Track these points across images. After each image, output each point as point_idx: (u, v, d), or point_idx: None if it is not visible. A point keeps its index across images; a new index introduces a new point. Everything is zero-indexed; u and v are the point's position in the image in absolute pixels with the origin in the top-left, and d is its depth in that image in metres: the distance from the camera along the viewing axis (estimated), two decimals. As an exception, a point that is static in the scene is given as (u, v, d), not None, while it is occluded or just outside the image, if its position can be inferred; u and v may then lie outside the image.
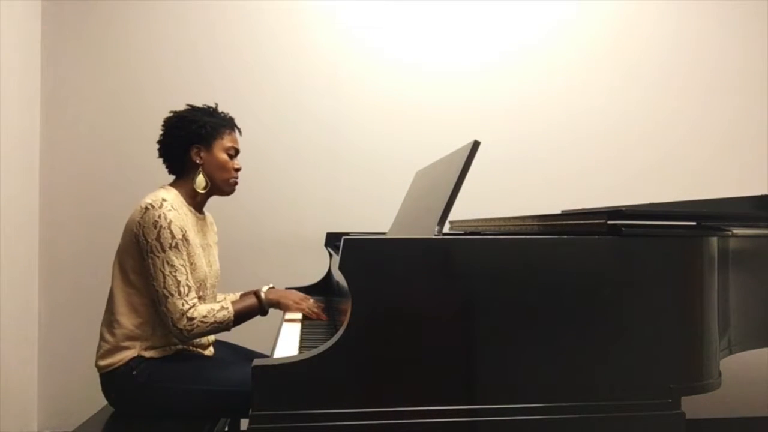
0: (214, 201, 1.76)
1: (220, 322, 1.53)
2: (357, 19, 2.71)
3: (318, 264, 2.42)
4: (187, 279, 1.51)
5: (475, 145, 1.28)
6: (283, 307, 1.74)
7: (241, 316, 1.60)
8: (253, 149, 2.63)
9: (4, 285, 2.29)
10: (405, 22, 2.74)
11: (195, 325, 1.49)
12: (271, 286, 1.92)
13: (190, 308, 1.49)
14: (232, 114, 1.76)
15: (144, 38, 2.63)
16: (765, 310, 1.53)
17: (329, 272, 2.22)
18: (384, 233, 2.07)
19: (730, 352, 1.43)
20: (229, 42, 2.66)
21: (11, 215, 2.34)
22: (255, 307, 1.65)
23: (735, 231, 1.38)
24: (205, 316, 1.50)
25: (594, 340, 1.17)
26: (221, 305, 1.56)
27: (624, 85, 2.83)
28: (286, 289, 2.20)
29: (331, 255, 2.17)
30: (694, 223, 1.32)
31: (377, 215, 2.52)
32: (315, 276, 2.32)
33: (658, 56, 2.84)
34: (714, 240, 1.28)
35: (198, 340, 1.64)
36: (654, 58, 2.84)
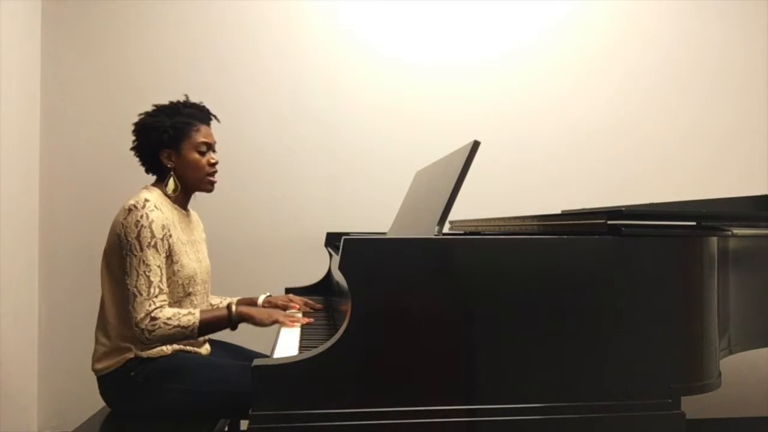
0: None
1: (185, 327, 1.47)
2: (357, 19, 2.71)
3: (318, 264, 2.42)
4: (160, 281, 1.49)
5: (475, 145, 1.28)
6: (257, 322, 1.58)
7: (208, 326, 1.52)
8: (253, 149, 2.63)
9: (4, 285, 2.29)
10: (405, 23, 2.73)
11: (157, 326, 1.44)
12: (268, 294, 1.92)
13: (155, 309, 1.46)
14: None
15: (144, 38, 2.63)
16: (765, 310, 1.53)
17: (329, 272, 2.22)
18: (384, 233, 2.07)
19: (730, 352, 1.43)
20: (228, 42, 2.66)
21: (11, 215, 2.34)
22: (224, 319, 1.55)
23: (735, 231, 1.38)
24: (169, 318, 1.46)
25: (594, 340, 1.17)
26: (188, 310, 1.51)
27: (624, 84, 2.82)
28: (286, 289, 2.21)
29: (331, 255, 2.17)
30: (694, 223, 1.32)
31: (377, 215, 2.52)
32: (315, 276, 2.32)
33: (658, 56, 2.84)
34: (714, 240, 1.28)
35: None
36: (654, 58, 2.84)
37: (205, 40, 2.65)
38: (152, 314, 1.45)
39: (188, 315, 1.50)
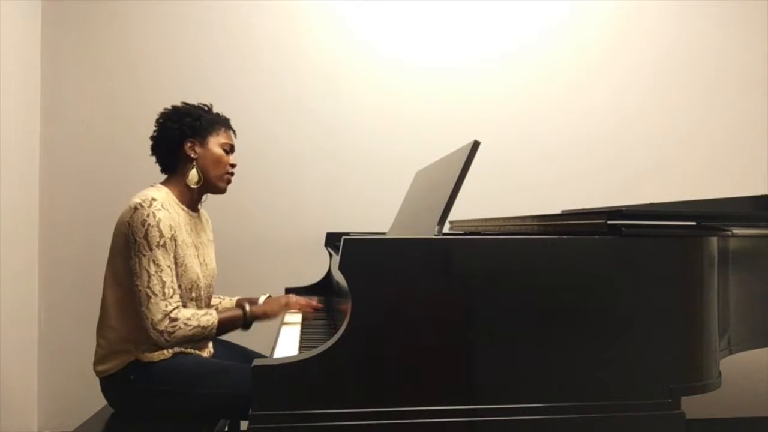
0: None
1: (204, 327, 1.49)
2: (357, 19, 2.71)
3: (318, 264, 2.42)
4: (172, 281, 1.48)
5: (475, 145, 1.28)
6: (271, 315, 1.68)
7: (225, 326, 1.56)
8: (253, 149, 2.63)
9: (4, 285, 2.29)
10: (405, 23, 2.73)
11: (178, 327, 1.44)
12: (268, 295, 1.92)
13: (173, 309, 1.45)
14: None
15: (144, 38, 2.63)
16: (765, 310, 1.53)
17: (329, 272, 2.22)
18: (384, 233, 2.07)
19: (730, 352, 1.43)
20: (229, 42, 2.66)
21: (11, 215, 2.34)
22: (239, 319, 1.60)
23: (735, 231, 1.38)
24: (188, 319, 1.46)
25: (594, 340, 1.17)
26: (206, 311, 1.53)
27: (624, 85, 2.82)
28: (286, 289, 2.21)
29: (331, 255, 2.17)
30: (694, 223, 1.32)
31: (377, 215, 2.52)
32: (315, 276, 2.32)
33: (658, 56, 2.84)
34: (714, 240, 1.28)
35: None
36: (654, 58, 2.84)
37: (206, 40, 2.65)
38: (171, 315, 1.44)
39: (206, 315, 1.50)
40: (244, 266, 2.61)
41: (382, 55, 2.72)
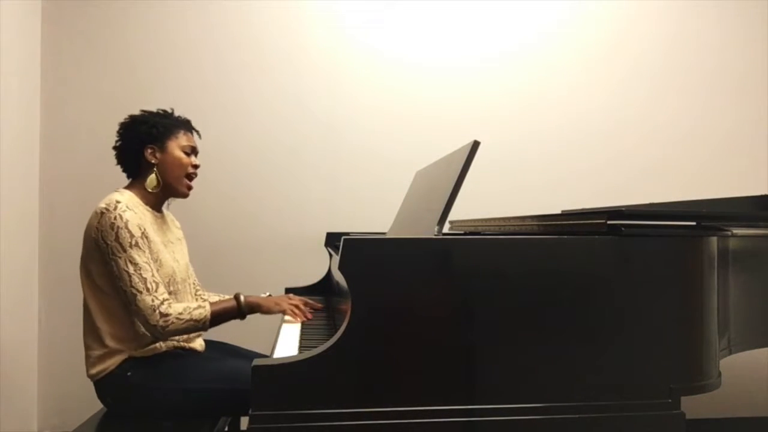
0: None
1: (197, 320, 1.51)
2: (357, 19, 2.71)
3: (318, 264, 2.42)
4: (153, 275, 1.50)
5: (475, 145, 1.28)
6: (264, 310, 1.69)
7: (218, 317, 1.58)
8: (254, 149, 2.63)
9: (4, 285, 2.29)
10: (405, 23, 2.74)
11: (170, 322, 1.47)
12: (268, 294, 1.92)
13: (161, 303, 1.47)
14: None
15: (144, 38, 2.63)
16: (765, 310, 1.53)
17: (329, 272, 2.22)
18: (384, 233, 2.07)
19: (730, 352, 1.43)
20: (228, 42, 2.66)
21: (11, 215, 2.34)
22: (233, 310, 1.61)
23: (735, 231, 1.38)
24: (180, 313, 1.49)
25: (594, 340, 1.17)
26: (198, 304, 1.55)
27: (624, 85, 2.82)
28: (286, 289, 2.21)
29: (331, 255, 2.17)
30: (694, 223, 1.32)
31: (377, 215, 2.52)
32: (315, 276, 2.32)
33: (658, 56, 2.84)
34: (714, 240, 1.28)
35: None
36: (654, 58, 2.84)
37: (206, 39, 2.65)
38: (160, 310, 1.46)
39: (199, 309, 1.53)
40: (245, 266, 2.60)
41: (382, 54, 2.72)
